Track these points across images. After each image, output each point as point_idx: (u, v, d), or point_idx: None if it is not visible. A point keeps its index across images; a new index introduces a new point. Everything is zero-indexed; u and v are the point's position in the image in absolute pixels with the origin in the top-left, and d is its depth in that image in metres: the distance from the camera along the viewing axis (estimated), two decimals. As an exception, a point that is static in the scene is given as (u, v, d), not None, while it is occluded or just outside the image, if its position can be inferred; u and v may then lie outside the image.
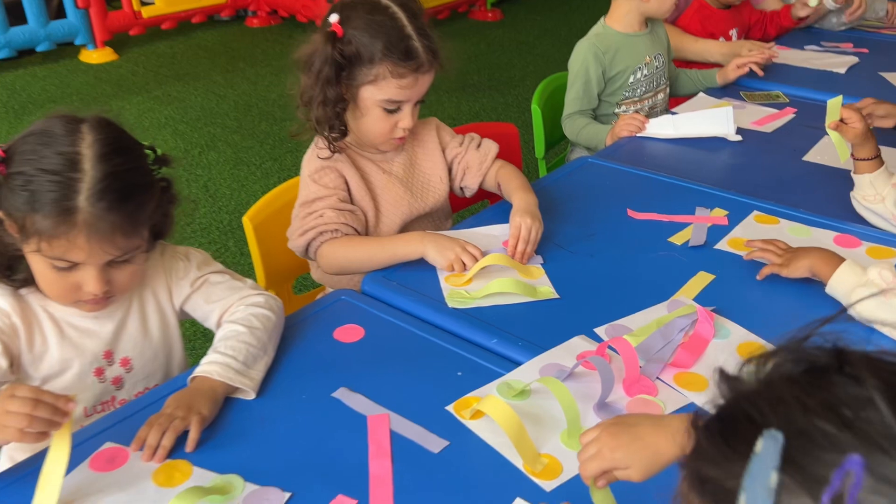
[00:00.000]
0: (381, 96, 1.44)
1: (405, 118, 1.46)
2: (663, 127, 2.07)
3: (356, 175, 1.52)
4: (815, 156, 1.94)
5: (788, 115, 2.22)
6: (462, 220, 1.69)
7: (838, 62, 2.61)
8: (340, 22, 1.41)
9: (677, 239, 1.55)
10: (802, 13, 2.82)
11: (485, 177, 1.67)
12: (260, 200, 1.69)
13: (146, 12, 5.10)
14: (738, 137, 2.03)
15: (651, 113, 2.32)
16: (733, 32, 2.76)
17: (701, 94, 2.36)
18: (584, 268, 1.47)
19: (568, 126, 2.27)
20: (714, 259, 1.49)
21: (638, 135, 2.07)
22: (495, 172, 1.66)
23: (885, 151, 1.61)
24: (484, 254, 1.44)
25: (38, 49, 4.83)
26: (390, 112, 1.46)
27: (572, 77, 2.26)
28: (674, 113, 2.21)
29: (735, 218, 1.63)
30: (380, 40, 1.39)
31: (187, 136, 3.85)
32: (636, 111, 2.29)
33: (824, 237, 1.55)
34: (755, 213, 1.66)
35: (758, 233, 1.57)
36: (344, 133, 1.49)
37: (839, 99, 1.58)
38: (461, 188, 1.69)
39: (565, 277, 1.43)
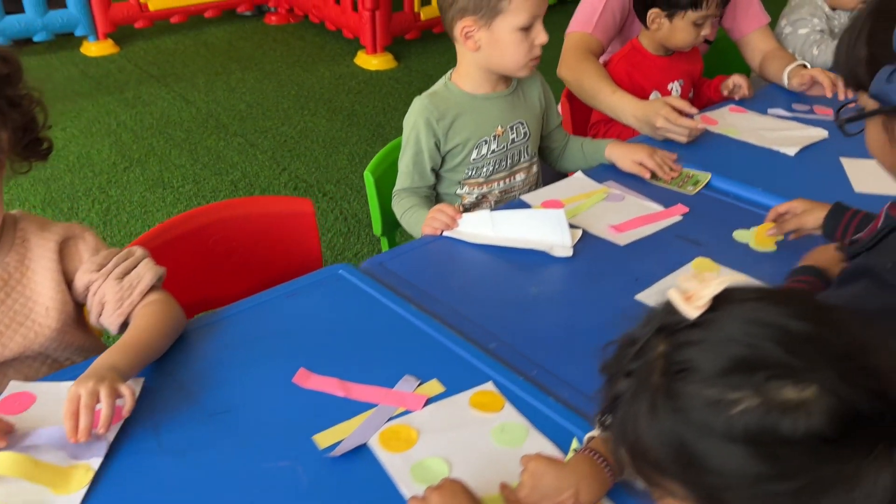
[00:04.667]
0: None
1: None
2: (479, 226, 1.56)
3: None
4: (650, 295, 1.38)
5: (674, 216, 1.65)
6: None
7: (795, 137, 1.99)
8: None
9: (325, 438, 1.07)
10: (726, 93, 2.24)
11: (127, 317, 1.22)
12: None
13: (152, 4, 4.87)
14: (567, 253, 1.49)
15: (503, 198, 1.81)
16: (674, 86, 2.18)
17: (578, 174, 1.82)
18: (160, 468, 1.02)
19: (395, 204, 1.78)
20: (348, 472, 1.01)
21: (447, 233, 1.58)
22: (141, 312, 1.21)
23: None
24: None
25: (36, 39, 4.68)
26: None
27: (404, 142, 1.77)
28: (512, 206, 1.69)
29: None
30: None
31: (125, 148, 3.56)
32: (482, 196, 1.79)
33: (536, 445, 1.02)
34: (483, 387, 1.15)
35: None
36: None
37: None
38: (99, 324, 1.26)
39: (131, 479, 0.99)
